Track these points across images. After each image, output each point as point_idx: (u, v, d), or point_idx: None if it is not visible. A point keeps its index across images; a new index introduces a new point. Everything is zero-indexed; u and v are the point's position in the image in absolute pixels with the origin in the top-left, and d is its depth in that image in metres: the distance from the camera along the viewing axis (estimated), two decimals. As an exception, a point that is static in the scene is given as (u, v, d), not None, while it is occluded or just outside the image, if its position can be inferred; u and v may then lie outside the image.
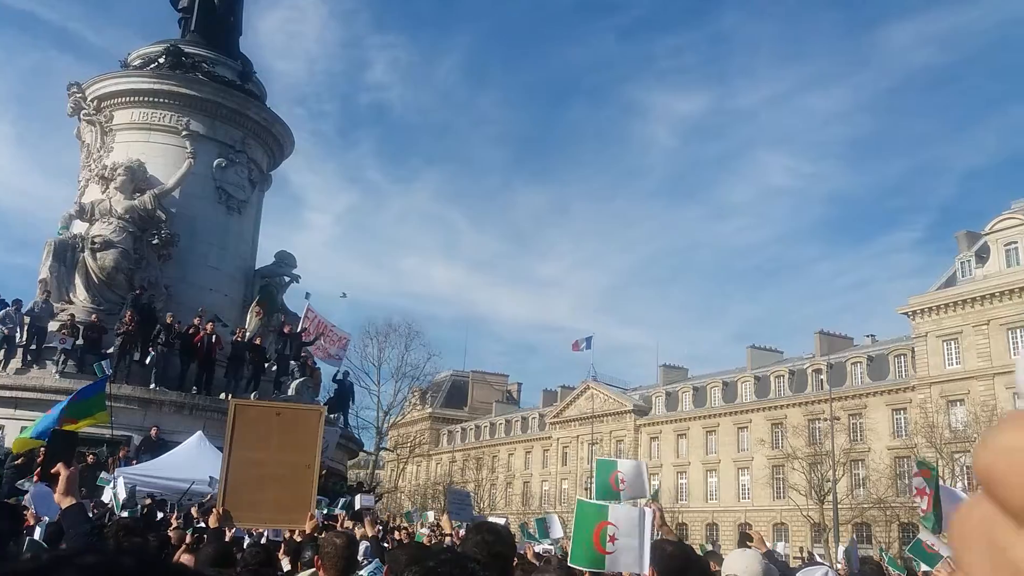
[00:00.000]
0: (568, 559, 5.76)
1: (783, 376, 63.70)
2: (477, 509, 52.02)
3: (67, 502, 3.34)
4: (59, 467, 3.45)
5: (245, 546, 7.13)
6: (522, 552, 11.62)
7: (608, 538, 5.46)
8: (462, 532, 9.87)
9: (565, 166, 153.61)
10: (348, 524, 11.51)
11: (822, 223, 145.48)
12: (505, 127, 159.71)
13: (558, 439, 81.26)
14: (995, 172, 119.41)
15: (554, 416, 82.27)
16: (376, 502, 20.34)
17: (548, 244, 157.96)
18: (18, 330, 20.57)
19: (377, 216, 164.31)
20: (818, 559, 19.10)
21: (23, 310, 20.85)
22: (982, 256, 51.91)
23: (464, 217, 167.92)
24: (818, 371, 59.73)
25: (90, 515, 10.46)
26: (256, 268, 26.30)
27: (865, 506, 50.55)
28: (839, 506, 48.49)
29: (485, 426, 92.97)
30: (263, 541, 9.33)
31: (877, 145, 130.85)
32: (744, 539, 11.12)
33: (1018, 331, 48.82)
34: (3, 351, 20.30)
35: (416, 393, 79.15)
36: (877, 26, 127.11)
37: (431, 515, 21.63)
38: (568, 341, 73.44)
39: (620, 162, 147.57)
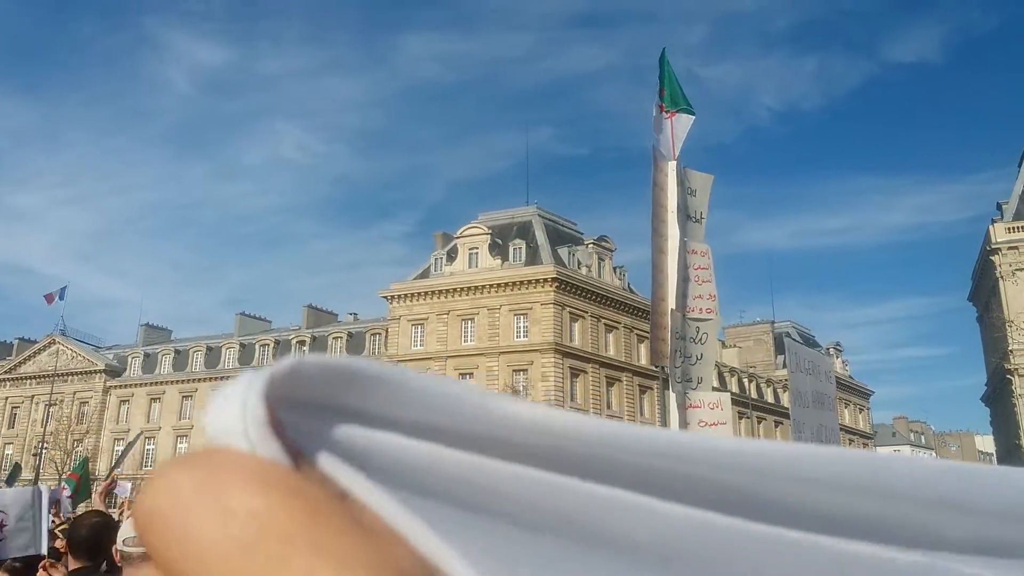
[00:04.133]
0: None
1: (269, 345, 65.50)
2: None
3: None
4: None
5: None
6: None
7: None
8: None
9: (64, 87, 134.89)
10: None
11: (326, 202, 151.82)
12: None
13: (7, 398, 71.49)
14: (472, 185, 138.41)
15: (5, 372, 72.16)
16: None
17: (28, 170, 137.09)
18: None
19: None
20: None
21: None
22: (452, 255, 60.30)
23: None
24: (302, 343, 62.93)
25: None
26: None
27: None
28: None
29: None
30: None
31: (384, 140, 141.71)
32: None
33: (469, 321, 57.84)
34: None
35: None
36: (396, 31, 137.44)
37: None
38: (38, 286, 65.55)
39: (128, 97, 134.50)
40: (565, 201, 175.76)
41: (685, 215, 6.37)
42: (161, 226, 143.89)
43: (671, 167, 6.43)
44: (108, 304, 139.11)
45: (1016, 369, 60.30)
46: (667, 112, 7.10)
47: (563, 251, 59.42)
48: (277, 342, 65.35)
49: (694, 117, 7.28)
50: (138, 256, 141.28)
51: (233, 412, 0.22)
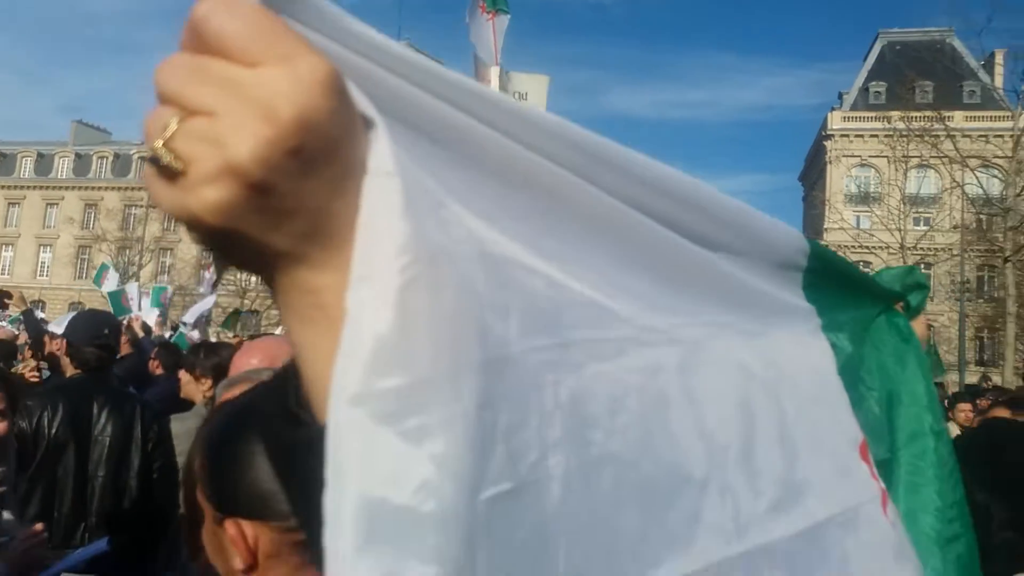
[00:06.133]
0: None
1: (107, 157, 61.86)
2: None
3: None
4: None
5: None
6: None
7: None
8: None
9: None
10: None
11: (177, 10, 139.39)
12: None
13: None
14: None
15: None
16: None
17: None
18: None
19: None
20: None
21: None
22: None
23: None
24: (144, 158, 59.77)
25: None
26: None
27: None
28: (143, 290, 50.95)
29: None
30: None
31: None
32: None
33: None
34: None
35: None
36: None
37: None
38: None
39: None
40: (441, 40, 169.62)
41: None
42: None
43: (494, 73, 6.64)
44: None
45: (828, 245, 66.63)
46: (488, 13, 6.73)
47: (426, 92, 58.45)
48: (117, 155, 61.71)
49: (508, 16, 6.85)
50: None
51: None
